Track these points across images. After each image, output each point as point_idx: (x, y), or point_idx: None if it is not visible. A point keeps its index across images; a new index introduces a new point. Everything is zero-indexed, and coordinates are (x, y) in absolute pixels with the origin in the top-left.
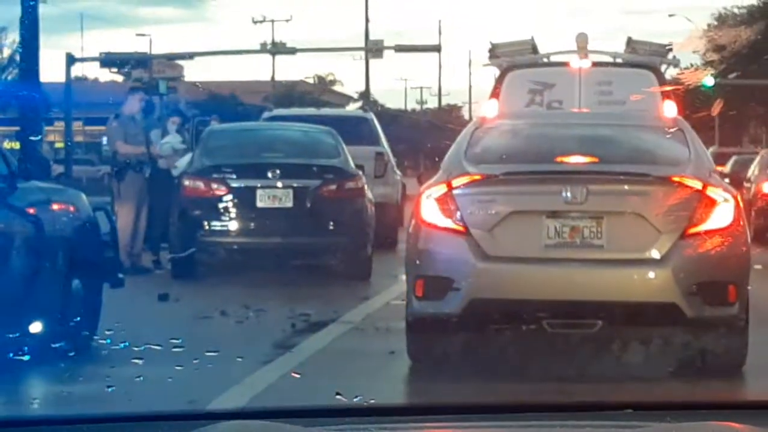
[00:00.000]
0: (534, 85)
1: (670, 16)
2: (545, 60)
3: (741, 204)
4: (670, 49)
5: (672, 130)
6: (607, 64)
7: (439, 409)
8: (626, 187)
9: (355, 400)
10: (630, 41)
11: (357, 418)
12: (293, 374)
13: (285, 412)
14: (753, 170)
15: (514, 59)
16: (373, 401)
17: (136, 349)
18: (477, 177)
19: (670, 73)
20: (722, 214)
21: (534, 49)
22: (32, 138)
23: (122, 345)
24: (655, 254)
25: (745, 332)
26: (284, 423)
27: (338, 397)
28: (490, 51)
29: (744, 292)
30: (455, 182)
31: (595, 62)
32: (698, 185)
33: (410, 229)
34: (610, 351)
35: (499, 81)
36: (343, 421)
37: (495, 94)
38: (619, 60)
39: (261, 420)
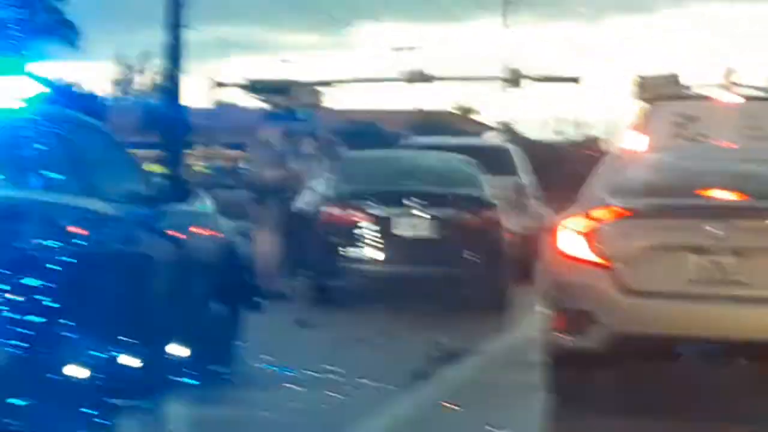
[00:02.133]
0: (679, 118)
1: None
2: (690, 93)
3: None
4: None
5: None
6: (756, 98)
7: None
8: None
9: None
10: None
11: None
12: (443, 404)
13: None
14: None
15: (659, 92)
16: None
17: (274, 373)
18: (619, 210)
19: None
20: None
21: (678, 84)
22: (174, 161)
23: (262, 367)
24: None
25: None
26: None
27: (488, 428)
28: (636, 84)
29: None
30: (595, 214)
31: (745, 96)
32: None
33: (546, 261)
34: (758, 391)
35: (643, 114)
36: None
37: (638, 126)
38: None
39: None
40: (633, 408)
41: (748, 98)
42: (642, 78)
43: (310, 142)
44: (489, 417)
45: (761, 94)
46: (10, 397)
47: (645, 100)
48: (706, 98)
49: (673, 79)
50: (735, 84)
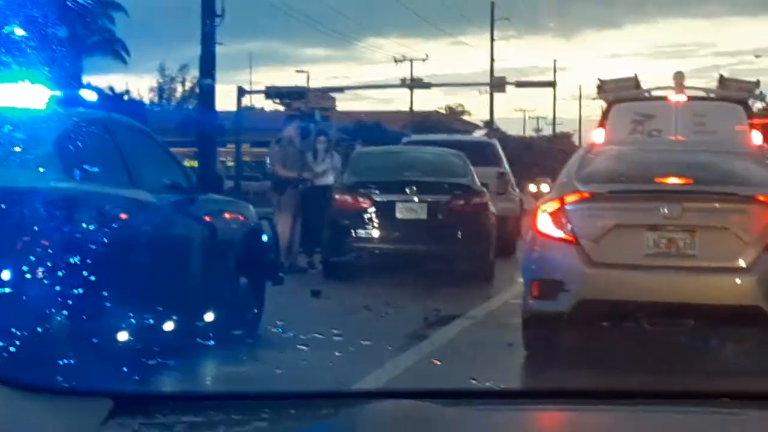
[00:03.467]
0: (636, 116)
1: (757, 56)
2: (646, 94)
3: None
4: (757, 86)
5: (757, 156)
6: (701, 98)
7: (558, 393)
8: (716, 204)
9: (487, 384)
10: (721, 78)
11: (490, 399)
12: (433, 361)
13: (427, 393)
14: None
15: (619, 94)
16: (503, 386)
17: (291, 336)
18: (586, 195)
19: (757, 106)
20: None
21: (637, 85)
22: (208, 157)
23: (280, 332)
24: (742, 263)
25: None
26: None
27: (473, 381)
28: (599, 87)
29: None
30: (567, 199)
31: (690, 97)
32: None
33: (527, 239)
34: (704, 348)
35: (606, 112)
36: (478, 401)
37: (602, 123)
38: (711, 95)
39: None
40: (595, 361)
41: (694, 98)
42: (603, 81)
43: (323, 140)
44: (474, 371)
45: (704, 94)
46: (63, 358)
47: (606, 100)
48: (659, 98)
49: (631, 82)
50: (683, 86)
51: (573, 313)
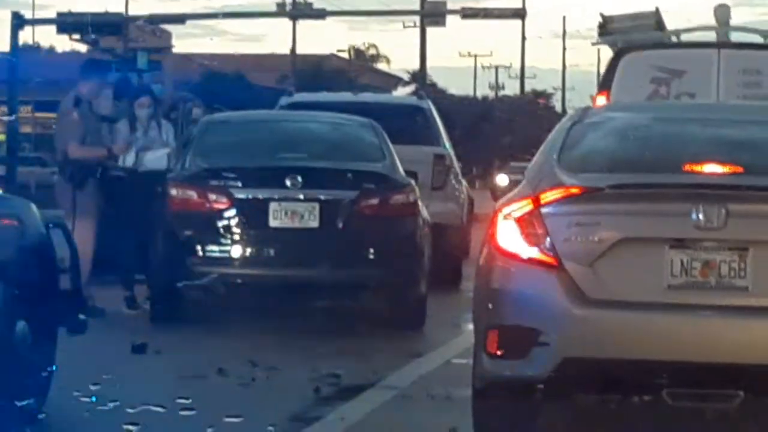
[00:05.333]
0: (658, 72)
1: None
2: (674, 39)
3: None
4: None
5: None
6: (755, 46)
7: None
8: None
9: None
10: None
11: None
12: None
13: None
14: None
15: (633, 37)
16: None
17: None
18: (575, 191)
19: None
20: None
21: (659, 25)
22: None
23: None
24: None
25: None
26: None
27: None
28: (601, 26)
29: None
30: (545, 197)
31: (738, 43)
32: None
33: (482, 261)
34: None
35: (613, 65)
36: None
37: (606, 83)
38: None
39: None
40: None
41: (744, 45)
42: (607, 18)
43: (147, 102)
44: None
45: (760, 39)
46: None
47: (614, 47)
48: (693, 44)
49: (651, 19)
50: (729, 25)
51: (554, 379)
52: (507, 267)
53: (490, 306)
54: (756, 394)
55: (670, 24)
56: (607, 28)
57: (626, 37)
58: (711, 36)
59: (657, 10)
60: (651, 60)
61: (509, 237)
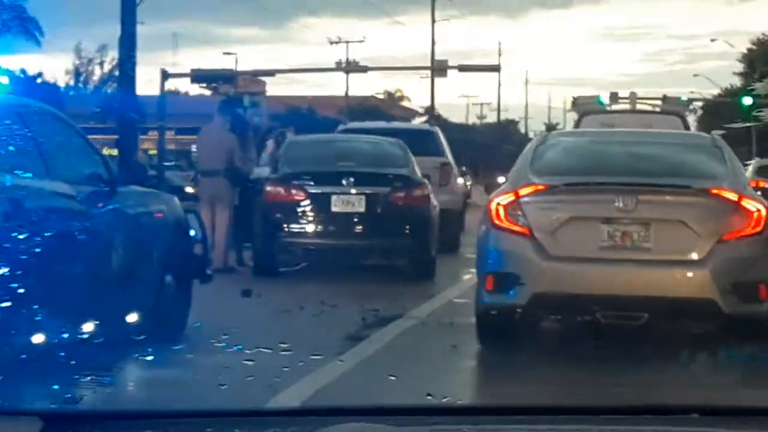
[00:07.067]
0: (601, 125)
1: (712, 40)
2: (608, 109)
3: None
4: (691, 103)
5: (711, 149)
6: (649, 112)
7: (516, 409)
8: (670, 197)
9: (444, 400)
10: (665, 97)
11: (447, 417)
12: (389, 377)
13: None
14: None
15: (588, 107)
16: (460, 402)
17: (220, 341)
18: (541, 187)
19: (691, 119)
20: (755, 222)
21: (601, 103)
22: (128, 146)
23: (209, 337)
24: (696, 256)
25: None
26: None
27: (428, 397)
28: (573, 102)
29: None
30: (522, 192)
31: (641, 110)
32: (734, 197)
33: (481, 232)
34: (660, 350)
35: (578, 122)
36: (433, 419)
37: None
38: (657, 109)
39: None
40: (552, 366)
41: (644, 111)
42: (576, 98)
43: (254, 127)
44: (422, 379)
45: (650, 108)
46: None
47: (578, 113)
48: (618, 111)
49: (598, 99)
50: (635, 102)
51: (528, 306)
52: (498, 235)
53: (488, 260)
54: (655, 315)
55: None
56: (575, 104)
57: (585, 108)
58: (627, 107)
59: (599, 95)
60: (598, 119)
61: (500, 216)
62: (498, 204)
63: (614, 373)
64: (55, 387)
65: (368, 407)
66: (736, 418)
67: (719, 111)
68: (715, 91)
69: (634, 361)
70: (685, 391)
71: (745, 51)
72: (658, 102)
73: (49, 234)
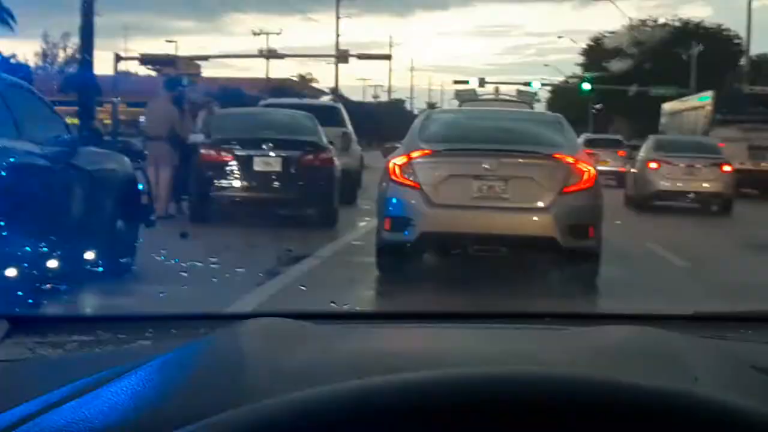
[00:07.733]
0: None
1: (559, 37)
2: (480, 98)
3: (596, 172)
4: (535, 95)
5: (555, 124)
6: (508, 100)
7: (401, 315)
8: (524, 160)
9: (344, 307)
10: (519, 91)
11: (348, 320)
12: (300, 287)
13: (294, 314)
14: (643, 150)
15: (465, 97)
16: (358, 308)
17: (160, 271)
18: (427, 151)
19: (541, 103)
20: (587, 180)
21: (475, 94)
22: (87, 115)
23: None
24: (542, 205)
25: (599, 257)
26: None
27: (332, 304)
28: (456, 94)
29: (599, 232)
30: (413, 155)
31: (502, 99)
32: (571, 160)
33: (381, 186)
34: (520, 272)
35: (459, 107)
36: (338, 321)
37: None
38: (514, 99)
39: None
40: (435, 285)
41: (505, 100)
42: (458, 91)
43: (191, 102)
44: (329, 297)
45: (508, 98)
46: None
47: (460, 101)
48: (487, 100)
49: (473, 91)
50: (499, 93)
51: (417, 242)
52: (395, 188)
53: (387, 207)
54: (510, 247)
55: (480, 90)
56: (457, 95)
57: (463, 98)
58: (493, 97)
59: (474, 89)
60: (473, 105)
61: (396, 173)
62: (395, 164)
63: (487, 290)
64: (21, 294)
65: (281, 312)
66: (575, 320)
67: (564, 94)
68: (561, 78)
69: (501, 280)
70: (538, 300)
71: (585, 46)
72: (514, 94)
73: (21, 185)
